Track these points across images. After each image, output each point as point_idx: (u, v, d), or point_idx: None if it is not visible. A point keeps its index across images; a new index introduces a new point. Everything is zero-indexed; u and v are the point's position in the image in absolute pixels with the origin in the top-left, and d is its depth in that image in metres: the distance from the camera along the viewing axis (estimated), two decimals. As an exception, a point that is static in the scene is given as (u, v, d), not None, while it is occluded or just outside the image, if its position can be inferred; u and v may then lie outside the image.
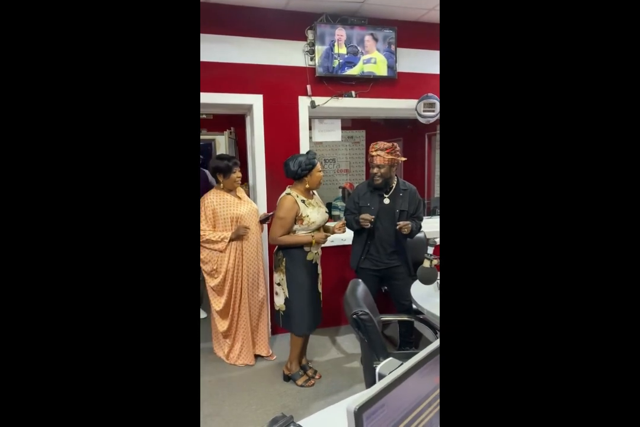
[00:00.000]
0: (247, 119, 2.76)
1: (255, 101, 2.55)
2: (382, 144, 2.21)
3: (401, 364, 0.76)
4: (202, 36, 2.37)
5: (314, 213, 2.09)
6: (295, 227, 2.08)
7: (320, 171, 2.12)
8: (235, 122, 3.75)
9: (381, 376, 0.72)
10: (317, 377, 2.25)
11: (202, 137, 4.75)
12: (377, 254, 2.28)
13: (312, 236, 2.07)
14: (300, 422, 0.95)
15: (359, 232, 2.30)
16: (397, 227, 2.15)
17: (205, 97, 2.42)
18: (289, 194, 2.06)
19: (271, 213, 2.42)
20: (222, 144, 4.46)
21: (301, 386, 2.16)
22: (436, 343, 0.70)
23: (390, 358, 0.76)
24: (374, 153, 2.20)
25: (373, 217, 2.17)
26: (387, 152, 2.18)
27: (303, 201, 2.08)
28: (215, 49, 2.43)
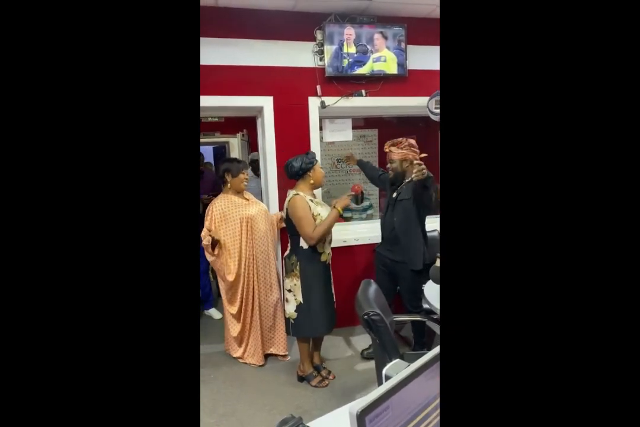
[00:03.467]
0: (258, 121, 2.78)
1: (266, 103, 2.56)
2: (394, 140, 2.27)
3: (408, 366, 0.75)
4: (212, 40, 2.40)
5: (324, 211, 2.10)
6: None
7: (321, 168, 2.14)
8: (247, 123, 3.77)
9: (388, 378, 0.71)
10: (331, 377, 2.24)
11: (215, 139, 4.80)
12: (384, 243, 2.37)
13: (334, 207, 2.06)
14: (310, 424, 0.95)
15: None
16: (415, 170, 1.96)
17: (216, 100, 2.44)
18: (297, 194, 2.06)
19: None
20: (235, 146, 4.49)
21: (315, 386, 2.16)
22: (443, 344, 0.69)
23: (398, 360, 0.75)
24: (387, 150, 2.26)
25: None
26: (397, 147, 2.23)
27: (311, 200, 2.08)
28: (225, 52, 2.45)
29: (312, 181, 2.09)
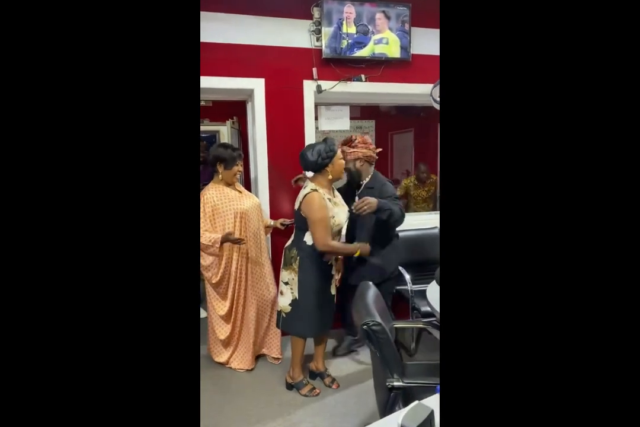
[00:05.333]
0: (248, 106, 2.57)
1: (257, 86, 2.35)
2: (345, 138, 2.13)
3: (431, 411, 0.57)
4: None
5: (341, 213, 1.88)
6: None
7: (341, 159, 1.90)
8: (237, 110, 3.54)
9: (405, 431, 0.54)
10: (334, 386, 2.05)
11: (205, 128, 4.56)
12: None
13: (359, 248, 1.88)
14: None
15: None
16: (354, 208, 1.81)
17: (203, 82, 2.22)
18: (315, 190, 1.81)
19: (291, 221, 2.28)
20: (226, 135, 4.27)
21: (305, 395, 1.98)
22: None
23: (416, 403, 0.57)
24: (339, 149, 1.95)
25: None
26: (349, 146, 2.09)
27: (329, 200, 1.85)
28: (213, 28, 2.22)
29: (330, 176, 1.87)
